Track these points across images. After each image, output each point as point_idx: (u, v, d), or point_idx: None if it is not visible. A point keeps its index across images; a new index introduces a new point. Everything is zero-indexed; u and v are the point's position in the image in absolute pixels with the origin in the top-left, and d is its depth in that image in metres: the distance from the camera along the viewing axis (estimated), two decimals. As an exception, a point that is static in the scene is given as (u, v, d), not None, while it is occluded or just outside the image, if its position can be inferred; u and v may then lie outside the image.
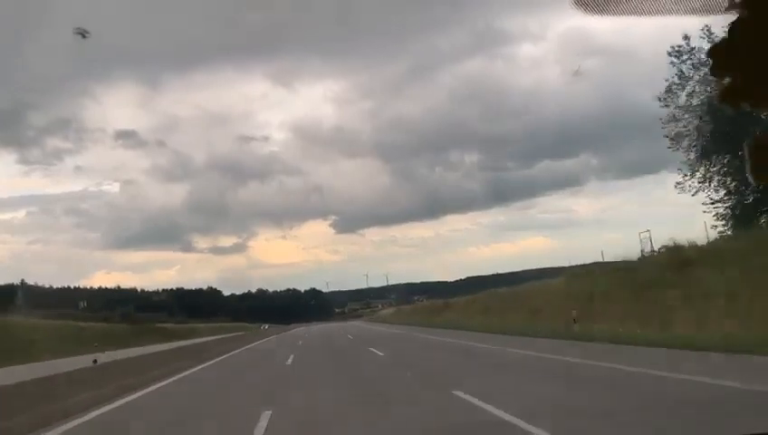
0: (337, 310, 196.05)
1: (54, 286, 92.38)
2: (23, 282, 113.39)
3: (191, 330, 72.13)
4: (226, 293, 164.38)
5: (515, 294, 35.54)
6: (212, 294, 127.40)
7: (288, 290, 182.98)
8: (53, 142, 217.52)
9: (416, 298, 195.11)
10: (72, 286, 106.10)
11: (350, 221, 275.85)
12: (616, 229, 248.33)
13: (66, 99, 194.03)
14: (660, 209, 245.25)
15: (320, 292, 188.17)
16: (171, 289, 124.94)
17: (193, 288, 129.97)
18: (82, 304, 66.06)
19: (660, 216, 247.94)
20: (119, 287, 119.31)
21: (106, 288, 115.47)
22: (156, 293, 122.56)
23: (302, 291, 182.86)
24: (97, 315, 63.73)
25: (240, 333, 48.77)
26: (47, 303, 76.69)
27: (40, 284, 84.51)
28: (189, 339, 50.66)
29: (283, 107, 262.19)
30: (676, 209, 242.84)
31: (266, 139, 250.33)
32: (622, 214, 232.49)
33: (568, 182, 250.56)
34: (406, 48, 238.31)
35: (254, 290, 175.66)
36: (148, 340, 47.44)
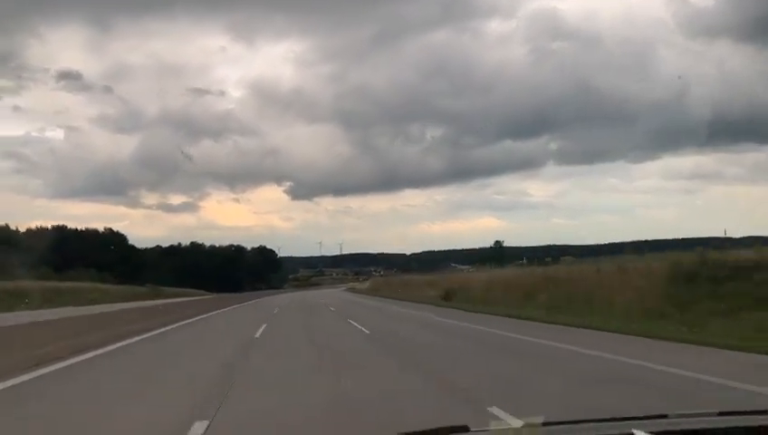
0: (290, 276, 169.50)
1: None
2: None
3: None
4: (145, 244, 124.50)
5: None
6: (112, 241, 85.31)
7: (231, 247, 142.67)
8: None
9: (372, 269, 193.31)
10: None
11: (306, 188, 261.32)
12: (565, 215, 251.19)
13: (3, 33, 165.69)
14: (609, 198, 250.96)
15: (272, 252, 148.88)
16: (47, 228, 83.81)
17: (82, 228, 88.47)
18: None
19: (609, 205, 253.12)
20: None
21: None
22: (28, 233, 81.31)
23: (249, 249, 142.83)
24: None
25: None
26: None
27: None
28: None
29: (242, 64, 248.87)
30: (629, 198, 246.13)
31: (222, 93, 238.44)
32: (572, 200, 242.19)
33: (526, 164, 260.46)
34: (372, 13, 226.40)
35: (186, 243, 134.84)
36: None
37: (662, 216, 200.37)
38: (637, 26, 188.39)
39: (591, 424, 1.83)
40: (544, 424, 1.73)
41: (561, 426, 1.79)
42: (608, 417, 1.90)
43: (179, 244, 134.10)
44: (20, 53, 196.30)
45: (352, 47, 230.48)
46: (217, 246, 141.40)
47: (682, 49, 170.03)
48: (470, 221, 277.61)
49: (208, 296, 50.88)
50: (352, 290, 79.63)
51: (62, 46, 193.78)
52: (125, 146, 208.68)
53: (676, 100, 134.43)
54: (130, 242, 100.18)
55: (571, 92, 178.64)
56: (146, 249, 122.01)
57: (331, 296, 50.54)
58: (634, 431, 1.62)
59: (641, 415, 1.86)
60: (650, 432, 1.63)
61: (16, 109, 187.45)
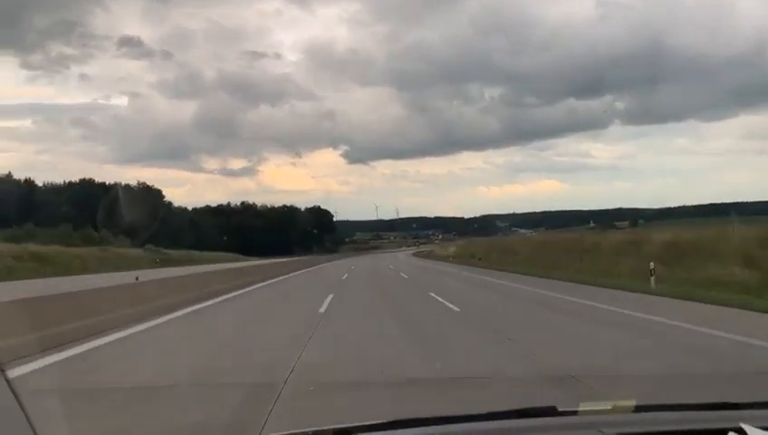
0: (346, 239, 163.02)
1: None
2: None
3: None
4: (181, 203, 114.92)
5: None
6: (143, 198, 73.05)
7: (284, 207, 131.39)
8: (57, 47, 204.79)
9: (430, 233, 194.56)
10: None
11: (362, 152, 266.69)
12: (628, 178, 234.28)
13: (69, 1, 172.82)
14: (677, 160, 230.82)
15: (327, 212, 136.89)
16: (60, 184, 73.22)
17: (111, 183, 76.86)
18: None
19: (674, 168, 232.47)
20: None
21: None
22: (46, 188, 70.89)
23: (303, 209, 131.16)
24: None
25: None
26: None
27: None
28: None
29: (297, 26, 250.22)
30: (696, 160, 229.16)
31: (278, 56, 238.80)
32: (637, 162, 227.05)
33: (589, 124, 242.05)
34: None
35: (235, 203, 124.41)
36: None
37: (737, 178, 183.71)
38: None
39: (690, 412, 1.63)
40: (637, 408, 1.61)
41: (655, 412, 1.63)
42: (709, 402, 1.65)
43: (228, 203, 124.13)
44: (85, 22, 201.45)
45: (407, 5, 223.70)
46: (269, 206, 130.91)
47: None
48: (530, 184, 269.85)
49: (238, 265, 37.75)
50: (425, 256, 64.98)
51: (124, 13, 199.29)
52: (186, 111, 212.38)
53: (756, 53, 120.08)
54: (168, 199, 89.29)
55: (640, 48, 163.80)
56: (190, 209, 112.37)
57: (428, 272, 30.63)
58: (742, 425, 1.36)
59: (747, 401, 1.62)
60: (761, 427, 1.36)
61: (83, 77, 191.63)
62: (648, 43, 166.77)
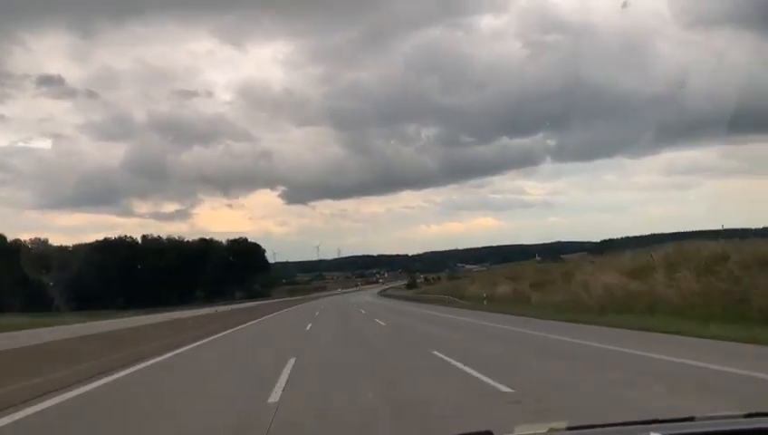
0: (283, 280, 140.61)
1: None
2: None
3: None
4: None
5: None
6: None
7: (202, 241, 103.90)
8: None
9: (375, 271, 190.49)
10: None
11: (300, 192, 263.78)
12: (560, 213, 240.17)
13: None
14: (608, 195, 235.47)
15: (256, 247, 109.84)
16: None
17: None
18: None
19: (605, 202, 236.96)
20: None
21: None
22: None
23: (224, 242, 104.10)
24: None
25: None
26: None
27: None
28: None
29: (231, 67, 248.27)
30: (625, 195, 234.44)
31: (210, 94, 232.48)
32: (570, 198, 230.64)
33: (522, 162, 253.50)
34: (362, 12, 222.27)
35: (134, 236, 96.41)
36: None
37: (661, 211, 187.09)
38: (630, 17, 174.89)
39: (616, 428, 1.82)
40: (569, 429, 1.75)
41: (586, 430, 1.79)
42: (633, 420, 1.85)
43: (124, 236, 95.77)
44: (2, 61, 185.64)
45: (343, 47, 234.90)
46: (182, 239, 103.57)
47: (678, 40, 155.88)
48: (469, 221, 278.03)
49: None
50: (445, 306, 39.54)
51: (45, 52, 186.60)
52: (115, 153, 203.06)
53: (674, 92, 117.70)
54: None
55: (566, 87, 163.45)
56: (70, 246, 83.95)
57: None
58: (652, 434, 1.61)
59: (667, 418, 1.82)
60: (669, 434, 1.62)
61: (0, 118, 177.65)
62: (573, 83, 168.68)
